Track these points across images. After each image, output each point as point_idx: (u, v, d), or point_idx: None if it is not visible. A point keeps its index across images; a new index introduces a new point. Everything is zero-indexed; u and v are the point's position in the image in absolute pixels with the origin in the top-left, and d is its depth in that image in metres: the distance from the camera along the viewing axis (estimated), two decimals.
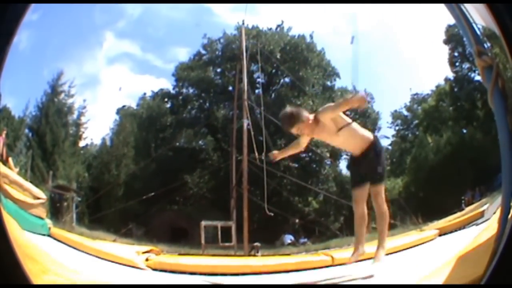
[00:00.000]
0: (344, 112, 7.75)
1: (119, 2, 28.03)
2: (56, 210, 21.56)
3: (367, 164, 7.73)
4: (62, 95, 27.43)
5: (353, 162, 8.09)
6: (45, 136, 25.68)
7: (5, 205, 3.85)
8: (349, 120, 7.82)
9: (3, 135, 14.84)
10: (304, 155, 29.70)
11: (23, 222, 8.25)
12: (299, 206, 27.54)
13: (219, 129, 30.15)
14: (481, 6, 3.63)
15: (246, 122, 24.41)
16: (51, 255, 7.33)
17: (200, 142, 30.70)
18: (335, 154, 30.33)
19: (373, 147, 7.80)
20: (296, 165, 29.31)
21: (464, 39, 5.06)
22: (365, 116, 31.08)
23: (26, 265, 3.06)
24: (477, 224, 10.23)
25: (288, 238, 25.19)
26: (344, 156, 31.63)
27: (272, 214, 21.49)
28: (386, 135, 31.78)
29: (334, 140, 8.00)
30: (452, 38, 28.05)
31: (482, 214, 11.02)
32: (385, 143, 32.02)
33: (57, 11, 23.83)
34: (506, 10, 2.90)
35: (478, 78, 27.31)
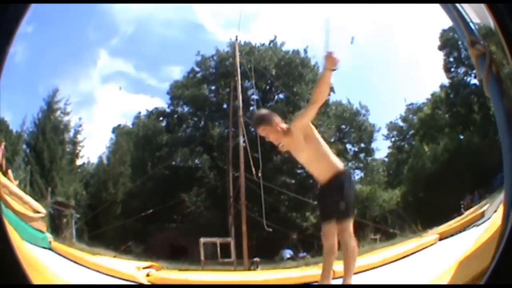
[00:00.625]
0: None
1: (120, 2, 28.20)
2: (56, 226, 21.56)
3: (332, 197, 6.57)
4: (58, 112, 27.81)
5: (319, 193, 7.38)
6: (43, 152, 25.82)
7: (5, 214, 3.71)
8: (321, 140, 6.75)
9: (2, 147, 14.75)
10: (300, 171, 29.62)
11: (23, 234, 8.24)
12: (297, 221, 27.40)
13: (215, 148, 30.09)
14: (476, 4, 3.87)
15: (242, 139, 24.36)
16: (51, 265, 7.27)
17: (196, 160, 30.70)
18: None
19: (339, 177, 6.64)
20: (293, 181, 29.38)
21: (457, 32, 5.15)
22: (361, 129, 31.23)
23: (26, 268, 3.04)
24: (477, 225, 10.00)
25: (287, 253, 25.05)
26: None
27: (271, 230, 21.47)
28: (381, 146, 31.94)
29: (300, 156, 6.78)
30: (447, 43, 28.35)
31: (482, 215, 10.73)
32: (381, 155, 32.59)
33: (52, 27, 23.98)
34: (506, 10, 2.90)
35: (474, 81, 27.96)
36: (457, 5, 4.83)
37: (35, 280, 3.19)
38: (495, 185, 15.73)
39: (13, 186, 12.12)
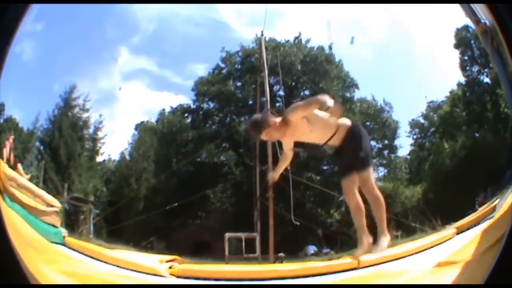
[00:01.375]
0: None
1: (132, 2, 27.61)
2: (71, 222, 20.92)
3: (349, 152, 6.72)
4: (76, 109, 27.45)
5: (336, 153, 6.95)
6: (59, 149, 25.29)
7: (10, 207, 4.20)
8: (320, 113, 6.56)
9: (10, 140, 14.23)
10: (326, 167, 29.64)
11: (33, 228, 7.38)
12: (321, 218, 26.97)
13: (241, 144, 29.54)
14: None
15: None
16: (63, 259, 6.61)
17: (222, 157, 30.38)
18: None
19: (352, 133, 6.72)
20: (319, 178, 28.84)
21: (464, 14, 5.73)
22: (385, 126, 30.66)
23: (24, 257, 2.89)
24: (490, 219, 9.72)
25: (311, 249, 24.54)
26: None
27: (298, 223, 20.82)
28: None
29: (310, 137, 6.88)
30: (461, 42, 28.00)
31: (494, 209, 10.55)
32: (403, 152, 32.32)
33: (65, 24, 23.22)
34: (506, 10, 2.72)
35: (486, 80, 28.02)
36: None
37: (43, 275, 3.23)
38: (505, 181, 15.20)
39: (23, 179, 11.26)
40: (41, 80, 24.17)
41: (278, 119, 6.56)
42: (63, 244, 9.90)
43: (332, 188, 26.44)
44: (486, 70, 27.38)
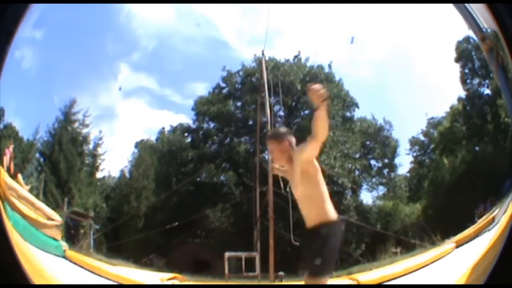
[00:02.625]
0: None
1: (126, 2, 27.65)
2: (71, 236, 20.76)
3: (311, 248, 5.45)
4: (76, 124, 27.34)
5: (305, 237, 6.19)
6: (59, 163, 25.19)
7: (10, 216, 3.90)
8: (321, 185, 5.48)
9: (10, 149, 14.06)
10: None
11: (33, 240, 7.35)
12: None
13: (241, 164, 29.44)
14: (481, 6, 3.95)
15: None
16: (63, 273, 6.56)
17: (221, 177, 30.32)
18: (356, 184, 29.64)
19: (325, 229, 5.31)
20: None
21: (471, 31, 5.88)
22: (385, 145, 30.67)
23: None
24: (489, 230, 10.31)
25: None
26: (365, 186, 31.01)
27: (298, 244, 20.78)
28: None
29: (294, 191, 5.72)
30: (462, 55, 27.90)
31: (493, 220, 10.97)
32: (403, 170, 32.20)
33: (67, 36, 23.26)
34: (506, 10, 2.87)
35: (487, 91, 27.91)
36: (467, 5, 5.42)
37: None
38: (504, 190, 15.18)
39: (23, 190, 11.26)
40: (42, 90, 24.14)
41: (294, 150, 5.66)
42: (64, 257, 9.96)
43: None
44: (486, 81, 27.44)
